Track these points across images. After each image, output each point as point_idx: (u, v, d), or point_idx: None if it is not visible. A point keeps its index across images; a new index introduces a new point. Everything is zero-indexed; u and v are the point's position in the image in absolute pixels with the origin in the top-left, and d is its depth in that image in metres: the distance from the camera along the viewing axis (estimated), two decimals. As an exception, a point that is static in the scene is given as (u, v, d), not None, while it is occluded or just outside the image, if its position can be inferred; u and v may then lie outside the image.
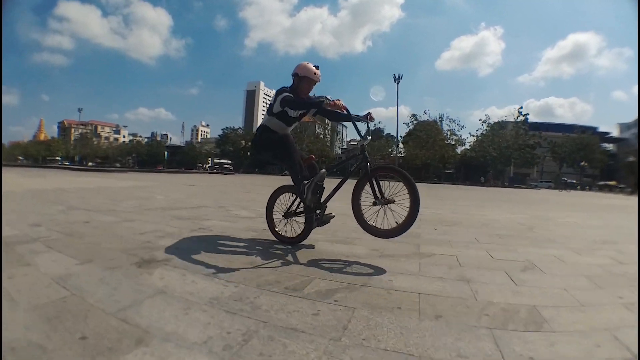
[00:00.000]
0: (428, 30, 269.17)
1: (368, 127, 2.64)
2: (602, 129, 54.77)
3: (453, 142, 49.59)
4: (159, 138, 71.71)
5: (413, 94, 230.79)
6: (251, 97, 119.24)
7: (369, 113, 2.65)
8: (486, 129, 47.19)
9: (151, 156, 61.09)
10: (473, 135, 48.34)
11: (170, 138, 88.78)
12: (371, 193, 2.35)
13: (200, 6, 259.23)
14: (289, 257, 2.34)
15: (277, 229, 2.80)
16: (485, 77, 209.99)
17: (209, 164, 60.64)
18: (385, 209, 2.31)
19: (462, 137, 49.31)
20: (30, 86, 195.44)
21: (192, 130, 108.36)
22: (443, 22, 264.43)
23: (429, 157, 48.64)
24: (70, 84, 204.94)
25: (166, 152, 58.32)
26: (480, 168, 47.89)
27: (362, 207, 2.41)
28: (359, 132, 2.58)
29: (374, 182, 2.35)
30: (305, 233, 2.62)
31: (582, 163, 45.88)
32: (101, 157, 63.41)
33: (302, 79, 2.57)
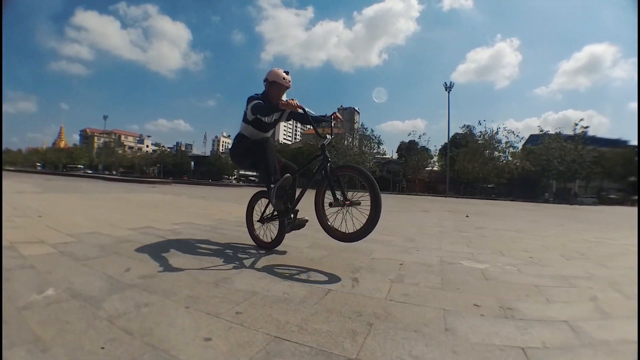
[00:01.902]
0: (443, 42, 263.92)
1: (332, 127, 2.50)
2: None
3: (510, 156, 44.98)
4: (183, 148, 68.37)
5: (428, 107, 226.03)
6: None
7: (334, 113, 2.60)
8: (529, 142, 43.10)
9: (176, 166, 57.52)
10: (529, 147, 43.82)
11: (191, 148, 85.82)
12: (332, 194, 2.23)
13: (218, 21, 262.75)
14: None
15: (256, 233, 2.74)
16: (502, 90, 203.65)
17: (235, 176, 57.08)
18: (345, 211, 2.19)
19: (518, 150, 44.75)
20: (48, 94, 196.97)
21: (214, 141, 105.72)
22: (458, 34, 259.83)
23: (485, 171, 43.81)
24: (90, 93, 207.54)
25: (192, 163, 54.53)
26: (531, 183, 43.54)
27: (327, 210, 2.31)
28: (318, 133, 2.49)
29: (334, 182, 2.23)
30: (278, 238, 2.55)
31: (631, 178, 41.86)
32: (125, 167, 60.14)
33: (272, 84, 2.48)
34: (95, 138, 77.98)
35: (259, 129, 2.52)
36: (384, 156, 56.10)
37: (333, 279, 1.91)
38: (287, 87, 2.50)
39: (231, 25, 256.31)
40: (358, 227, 2.07)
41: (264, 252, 2.54)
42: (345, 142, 54.35)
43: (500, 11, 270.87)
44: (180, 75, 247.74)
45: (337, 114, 2.58)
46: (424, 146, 58.09)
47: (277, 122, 2.61)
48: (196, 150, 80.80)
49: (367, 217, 2.02)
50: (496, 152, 44.74)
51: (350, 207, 2.16)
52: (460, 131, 49.49)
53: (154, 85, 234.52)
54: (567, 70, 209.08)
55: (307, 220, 2.53)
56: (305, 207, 2.58)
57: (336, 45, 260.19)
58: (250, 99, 2.42)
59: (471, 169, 44.85)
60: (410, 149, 56.96)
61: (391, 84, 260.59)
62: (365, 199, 2.07)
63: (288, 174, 2.35)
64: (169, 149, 68.80)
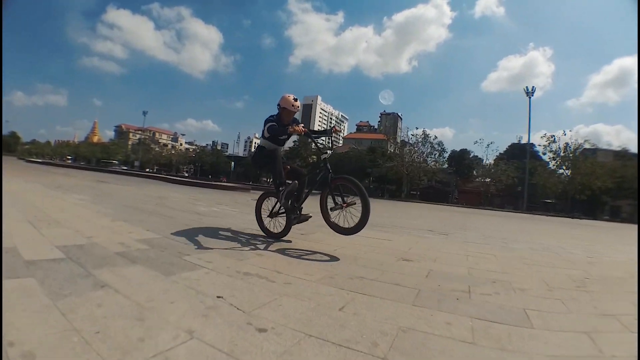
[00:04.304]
0: (475, 50, 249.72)
1: (331, 140, 3.02)
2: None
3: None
4: (219, 147, 64.67)
5: (457, 115, 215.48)
6: (307, 111, 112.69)
7: (333, 126, 3.10)
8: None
9: (213, 166, 53.64)
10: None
11: (227, 148, 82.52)
12: (332, 199, 2.71)
13: (249, 24, 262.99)
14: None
15: (265, 226, 3.14)
16: (535, 100, 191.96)
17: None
18: (344, 212, 2.67)
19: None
20: (80, 89, 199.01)
21: (246, 142, 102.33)
22: (490, 42, 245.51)
23: (572, 186, 39.01)
24: (123, 91, 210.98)
25: (232, 163, 50.31)
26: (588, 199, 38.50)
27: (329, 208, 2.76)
28: (319, 149, 2.86)
29: (334, 189, 2.70)
30: (285, 230, 2.98)
31: None
32: (161, 164, 56.78)
33: (283, 110, 2.93)
34: (131, 134, 75.84)
35: (274, 142, 3.02)
36: (443, 166, 50.70)
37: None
38: (295, 112, 2.97)
39: (261, 29, 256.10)
40: (353, 225, 2.55)
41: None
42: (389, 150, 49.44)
43: (533, 19, 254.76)
44: (210, 77, 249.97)
45: (336, 127, 3.16)
46: (476, 155, 54.57)
47: (289, 137, 3.09)
48: (229, 151, 77.26)
49: (359, 216, 2.49)
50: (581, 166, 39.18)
51: (347, 208, 2.65)
52: (515, 141, 46.51)
53: (185, 86, 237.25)
54: (597, 84, 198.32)
55: (310, 216, 2.97)
56: (310, 205, 2.90)
57: (365, 51, 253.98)
58: (267, 121, 2.90)
59: (554, 184, 40.45)
60: (462, 158, 52.92)
61: (421, 91, 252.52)
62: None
63: (295, 181, 2.89)
64: (202, 148, 65.48)
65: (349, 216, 2.61)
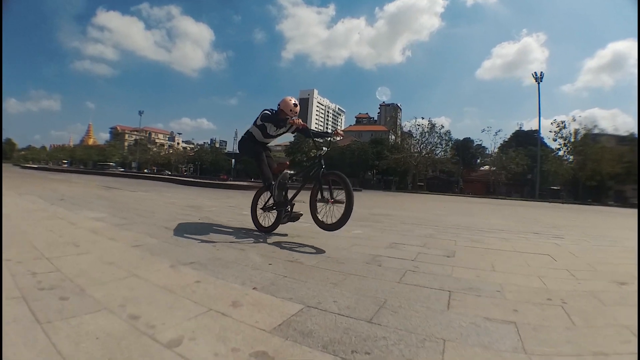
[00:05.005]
0: (468, 38, 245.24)
1: (330, 140, 3.10)
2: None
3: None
4: (217, 145, 62.95)
5: (453, 104, 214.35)
6: (304, 105, 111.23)
7: (335, 129, 3.43)
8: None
9: (213, 164, 52.22)
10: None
11: (225, 145, 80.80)
12: (321, 193, 2.76)
13: (239, 20, 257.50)
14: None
15: (258, 219, 3.13)
16: (529, 87, 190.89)
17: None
18: (331, 208, 2.67)
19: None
20: (73, 92, 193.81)
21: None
22: (483, 29, 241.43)
23: (584, 171, 38.14)
24: (116, 93, 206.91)
25: (233, 160, 48.85)
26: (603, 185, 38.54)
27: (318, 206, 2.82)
28: (316, 145, 2.99)
29: (324, 184, 2.73)
30: (275, 224, 2.98)
31: None
32: (160, 164, 55.10)
33: (281, 111, 2.98)
34: (126, 135, 73.78)
35: (263, 133, 3.09)
36: (449, 157, 50.07)
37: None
38: (293, 116, 3.01)
39: (252, 24, 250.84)
40: (335, 220, 2.58)
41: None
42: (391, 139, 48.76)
43: (525, 5, 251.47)
44: (203, 75, 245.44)
45: (338, 130, 3.44)
46: (480, 144, 54.31)
47: (279, 135, 3.16)
48: (228, 148, 75.64)
49: (342, 212, 2.52)
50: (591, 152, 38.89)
51: (334, 205, 2.65)
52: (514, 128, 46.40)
53: (178, 85, 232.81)
54: (591, 68, 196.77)
55: (301, 214, 2.97)
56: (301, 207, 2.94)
57: (358, 43, 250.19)
58: (263, 110, 3.02)
59: (566, 170, 39.63)
60: (467, 147, 52.44)
61: (415, 81, 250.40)
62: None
63: (287, 171, 2.98)
64: (199, 146, 63.77)
65: (334, 212, 2.62)
